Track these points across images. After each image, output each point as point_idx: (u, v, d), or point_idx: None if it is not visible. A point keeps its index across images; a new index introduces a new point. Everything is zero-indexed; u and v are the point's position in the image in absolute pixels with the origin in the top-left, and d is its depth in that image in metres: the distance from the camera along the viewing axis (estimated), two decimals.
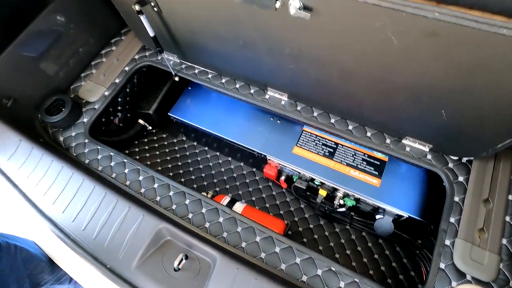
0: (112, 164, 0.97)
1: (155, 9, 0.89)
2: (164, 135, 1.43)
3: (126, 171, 0.95)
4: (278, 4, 0.63)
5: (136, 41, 1.22)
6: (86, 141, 1.03)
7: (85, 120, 1.07)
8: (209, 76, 1.09)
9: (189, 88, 1.26)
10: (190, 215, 0.86)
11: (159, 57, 1.17)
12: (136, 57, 1.19)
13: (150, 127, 1.38)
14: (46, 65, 1.09)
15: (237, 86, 1.06)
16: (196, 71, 1.11)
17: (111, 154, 0.98)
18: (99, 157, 0.99)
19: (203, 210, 0.86)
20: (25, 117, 1.04)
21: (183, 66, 1.13)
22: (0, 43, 1.00)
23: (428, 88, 0.65)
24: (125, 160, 0.97)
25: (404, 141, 0.89)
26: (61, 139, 1.04)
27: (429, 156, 0.86)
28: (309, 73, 0.82)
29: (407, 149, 0.88)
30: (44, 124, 1.07)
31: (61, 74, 1.13)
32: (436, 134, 0.80)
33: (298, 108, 0.99)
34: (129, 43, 1.23)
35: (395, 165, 0.99)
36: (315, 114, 0.97)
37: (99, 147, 1.00)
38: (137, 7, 0.84)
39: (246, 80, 1.05)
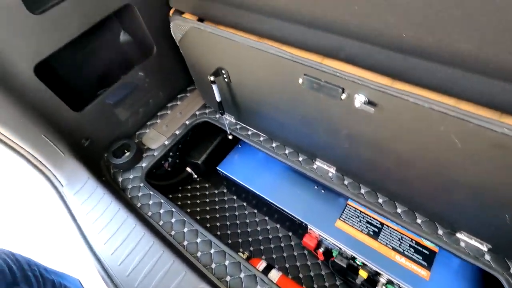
0: (161, 211, 1.02)
1: (226, 80, 1.00)
2: (207, 185, 1.49)
3: (173, 220, 0.99)
4: (344, 96, 0.69)
5: (199, 99, 1.36)
6: (141, 185, 1.11)
7: (143, 165, 1.17)
8: (261, 139, 1.16)
9: (239, 145, 1.34)
10: (228, 278, 0.86)
11: (217, 116, 1.28)
12: (197, 113, 1.31)
13: (196, 176, 1.46)
14: (120, 111, 1.24)
15: (287, 152, 1.11)
16: (249, 132, 1.19)
17: (161, 201, 1.05)
18: (150, 202, 1.05)
19: (242, 275, 0.86)
20: (94, 156, 1.16)
21: (238, 126, 1.22)
22: (93, 91, 1.18)
23: (492, 191, 0.64)
24: (173, 209, 1.02)
25: (458, 235, 0.85)
26: (120, 179, 1.14)
27: (487, 257, 0.81)
28: (363, 154, 0.85)
29: (462, 244, 0.83)
30: (107, 164, 1.19)
31: (130, 121, 1.27)
32: (497, 236, 0.76)
33: (345, 182, 1.00)
34: (192, 99, 1.37)
35: (447, 257, 0.92)
36: (363, 191, 0.97)
37: (151, 193, 1.08)
38: (211, 78, 0.96)
39: (296, 147, 1.10)
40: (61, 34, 0.88)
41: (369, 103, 0.66)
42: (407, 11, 0.52)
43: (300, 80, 0.75)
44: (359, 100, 0.66)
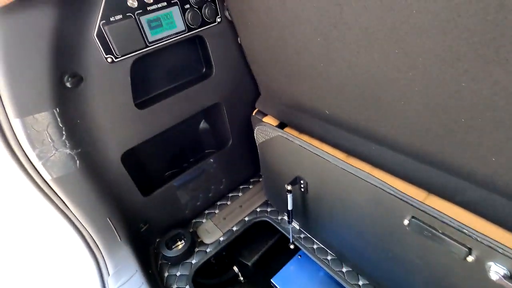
0: None
1: (302, 189, 0.93)
2: None
3: None
4: (470, 259, 0.55)
5: (261, 194, 1.29)
6: (187, 287, 0.98)
7: (193, 261, 1.07)
8: (328, 258, 1.01)
9: (300, 256, 1.19)
10: None
11: (279, 217, 1.18)
12: (258, 209, 1.23)
13: (242, 278, 1.29)
14: (182, 194, 1.21)
15: (360, 283, 0.92)
16: (315, 246, 1.05)
17: None
18: None
19: None
20: (147, 242, 1.10)
21: (302, 235, 1.09)
22: (162, 173, 1.19)
23: None
24: None
25: None
26: (166, 274, 1.03)
27: None
28: None
29: None
30: (157, 251, 1.11)
31: (189, 205, 1.22)
32: None
33: None
34: (254, 193, 1.31)
35: None
36: None
37: None
38: (289, 188, 0.89)
39: (371, 279, 0.91)
40: (155, 126, 0.92)
41: None
42: None
43: (406, 222, 0.63)
44: (496, 271, 0.51)
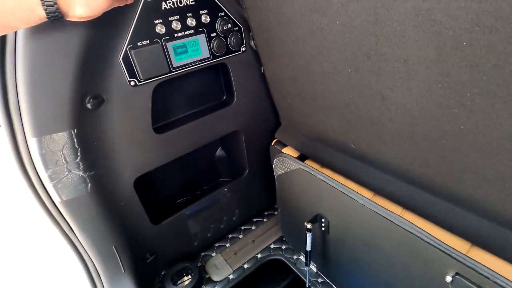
0: None
1: (323, 229, 0.85)
2: None
3: None
4: None
5: (276, 229, 1.21)
6: None
7: None
8: None
9: None
10: None
11: (295, 257, 1.09)
12: (272, 246, 1.14)
13: None
14: (192, 224, 1.15)
15: None
16: None
17: None
18: None
19: None
20: (152, 273, 1.03)
21: (320, 280, 0.99)
22: (173, 200, 1.15)
23: None
24: None
25: None
26: None
27: None
28: None
29: None
30: (161, 285, 1.03)
31: (198, 237, 1.16)
32: None
33: None
34: (268, 227, 1.23)
35: None
36: None
37: None
38: (308, 226, 0.82)
39: None
40: (172, 151, 0.89)
41: None
42: None
43: (448, 279, 0.55)
44: None
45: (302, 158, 0.93)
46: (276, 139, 1.05)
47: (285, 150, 0.97)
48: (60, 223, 0.76)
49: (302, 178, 0.85)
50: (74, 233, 0.80)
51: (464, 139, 0.47)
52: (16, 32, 0.56)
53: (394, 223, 0.63)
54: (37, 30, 0.57)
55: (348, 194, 0.72)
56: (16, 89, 0.60)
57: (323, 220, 0.84)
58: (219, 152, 1.24)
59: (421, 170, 0.60)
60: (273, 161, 0.95)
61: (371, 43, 0.51)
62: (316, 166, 0.88)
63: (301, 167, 0.83)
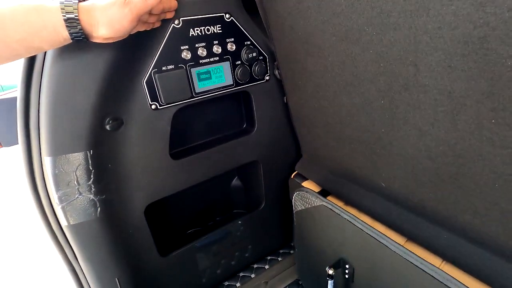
0: None
1: (346, 276, 0.76)
2: None
3: None
4: None
5: (291, 271, 1.11)
6: None
7: None
8: None
9: None
10: None
11: None
12: None
13: None
14: (201, 258, 1.07)
15: None
16: None
17: None
18: None
19: None
20: None
21: None
22: (183, 230, 1.08)
23: None
24: None
25: None
26: None
27: None
28: None
29: None
30: None
31: (207, 273, 1.07)
32: None
33: None
34: (283, 267, 1.13)
35: None
36: None
37: None
38: (330, 272, 0.73)
39: None
40: (187, 178, 0.86)
41: None
42: None
43: None
44: None
45: (324, 193, 0.86)
46: (296, 172, 0.99)
47: (306, 184, 0.91)
48: (64, 248, 0.72)
49: (324, 216, 0.78)
50: (77, 260, 0.75)
51: None
52: (45, 52, 0.57)
53: (432, 276, 0.55)
54: (64, 51, 0.57)
55: (378, 239, 0.64)
56: (38, 107, 0.59)
57: (347, 266, 0.75)
58: (235, 182, 1.20)
59: (465, 218, 0.52)
60: (292, 195, 0.89)
61: (410, 73, 0.47)
62: (339, 203, 0.81)
63: (324, 203, 0.76)
